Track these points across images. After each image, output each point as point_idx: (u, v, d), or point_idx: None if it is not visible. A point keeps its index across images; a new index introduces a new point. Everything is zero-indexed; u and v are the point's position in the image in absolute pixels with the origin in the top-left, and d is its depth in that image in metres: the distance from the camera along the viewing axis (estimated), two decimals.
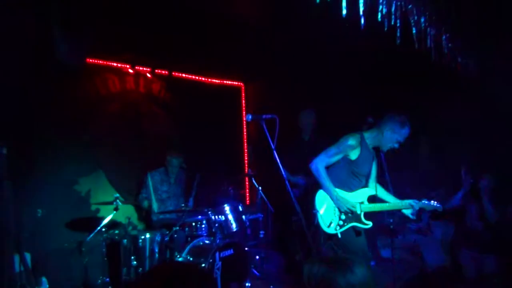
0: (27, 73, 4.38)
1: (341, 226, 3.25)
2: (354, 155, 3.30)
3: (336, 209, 3.27)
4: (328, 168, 3.32)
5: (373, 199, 3.43)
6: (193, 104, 5.92)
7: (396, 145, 3.30)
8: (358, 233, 3.32)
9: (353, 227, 3.28)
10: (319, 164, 3.26)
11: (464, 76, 3.85)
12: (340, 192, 3.29)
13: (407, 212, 3.39)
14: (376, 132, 3.36)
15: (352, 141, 3.28)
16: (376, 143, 3.37)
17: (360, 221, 3.29)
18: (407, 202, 3.35)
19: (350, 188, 3.35)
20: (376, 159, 3.49)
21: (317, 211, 3.24)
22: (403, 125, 3.24)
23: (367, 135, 3.37)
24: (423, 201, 3.36)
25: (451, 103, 4.55)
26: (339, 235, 3.23)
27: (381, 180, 3.54)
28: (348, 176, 3.34)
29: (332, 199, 3.25)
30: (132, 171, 5.33)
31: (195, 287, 1.06)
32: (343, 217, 3.27)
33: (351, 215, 3.27)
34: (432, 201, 3.38)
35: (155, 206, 4.87)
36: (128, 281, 3.87)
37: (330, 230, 3.25)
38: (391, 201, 3.44)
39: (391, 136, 3.27)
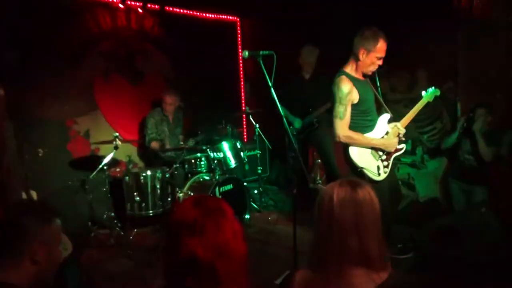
0: (19, 13, 4.23)
1: (388, 164, 3.12)
2: (355, 98, 3.02)
3: (373, 152, 3.07)
4: None
5: (392, 119, 3.24)
6: (187, 40, 5.75)
7: (379, 62, 3.00)
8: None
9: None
10: (344, 132, 2.97)
11: (465, 9, 3.72)
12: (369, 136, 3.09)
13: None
14: (352, 60, 3.05)
15: (345, 87, 2.95)
16: (360, 70, 3.06)
17: (396, 149, 3.14)
18: (420, 94, 3.21)
19: (371, 127, 3.13)
20: (369, 84, 3.22)
21: (361, 167, 3.00)
22: (375, 38, 2.88)
23: (348, 69, 3.06)
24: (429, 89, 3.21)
25: (450, 38, 4.46)
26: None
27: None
28: (362, 118, 3.10)
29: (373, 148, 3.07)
30: (128, 110, 5.35)
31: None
32: (383, 157, 3.10)
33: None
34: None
35: (167, 142, 4.92)
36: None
37: (382, 176, 3.08)
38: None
39: (367, 57, 2.95)
